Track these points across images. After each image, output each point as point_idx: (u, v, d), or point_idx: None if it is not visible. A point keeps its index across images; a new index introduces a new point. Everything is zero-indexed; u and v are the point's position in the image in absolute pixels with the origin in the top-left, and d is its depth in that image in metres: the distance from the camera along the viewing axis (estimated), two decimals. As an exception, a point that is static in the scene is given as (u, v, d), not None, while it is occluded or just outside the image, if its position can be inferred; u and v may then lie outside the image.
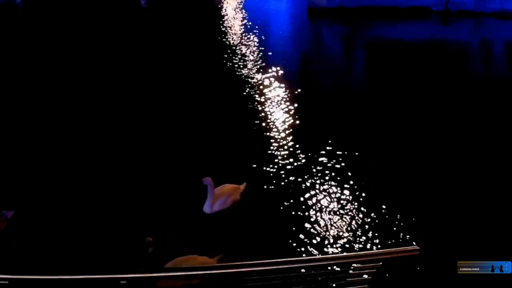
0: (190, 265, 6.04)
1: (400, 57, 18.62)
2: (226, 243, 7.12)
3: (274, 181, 9.00)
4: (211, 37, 21.81)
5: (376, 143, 10.71)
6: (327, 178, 9.13)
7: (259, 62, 17.40)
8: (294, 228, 7.60)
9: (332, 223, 7.75)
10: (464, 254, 6.50)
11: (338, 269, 4.42)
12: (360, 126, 11.71)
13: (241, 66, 16.90)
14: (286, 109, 12.70)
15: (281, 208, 8.15)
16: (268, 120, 12.00)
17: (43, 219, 7.75)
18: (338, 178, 9.09)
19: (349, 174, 9.21)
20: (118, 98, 13.55)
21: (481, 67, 18.37)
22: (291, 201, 8.36)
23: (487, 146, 10.48)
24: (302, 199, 8.42)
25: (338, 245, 7.22)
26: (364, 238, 7.35)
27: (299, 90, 14.62)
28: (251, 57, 18.19)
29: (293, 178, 9.13)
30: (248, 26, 24.66)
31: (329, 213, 8.00)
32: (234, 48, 19.78)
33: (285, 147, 10.47)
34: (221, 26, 24.87)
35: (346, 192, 8.62)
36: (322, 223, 7.75)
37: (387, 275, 6.14)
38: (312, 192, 8.63)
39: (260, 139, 10.87)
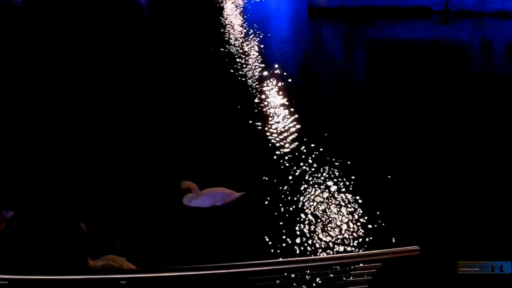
0: (111, 265, 6.15)
1: (400, 57, 18.63)
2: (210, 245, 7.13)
3: (273, 181, 8.99)
4: (211, 36, 21.82)
5: (376, 143, 10.71)
6: (327, 178, 9.13)
7: (259, 62, 17.40)
8: (294, 229, 7.60)
9: (332, 223, 7.75)
10: (464, 254, 6.50)
11: (338, 269, 4.41)
12: (360, 127, 11.72)
13: (242, 66, 16.90)
14: (286, 109, 12.70)
15: (281, 208, 8.15)
16: (269, 121, 12.00)
17: (43, 219, 7.74)
18: (339, 179, 9.09)
19: (349, 174, 9.21)
20: (118, 99, 13.54)
21: (481, 67, 18.37)
22: (291, 201, 8.36)
23: (487, 146, 10.48)
24: (302, 199, 8.42)
25: (338, 245, 7.22)
26: (364, 238, 7.35)
27: (299, 89, 14.64)
28: (252, 57, 18.20)
29: (293, 178, 9.12)
30: (249, 26, 24.67)
31: (329, 214, 8.00)
32: (234, 47, 19.79)
33: (285, 147, 10.47)
34: (222, 26, 24.88)
35: (346, 192, 8.62)
36: (322, 223, 7.75)
37: (387, 275, 6.13)
38: (312, 193, 8.62)
39: (260, 140, 10.86)
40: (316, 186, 8.84)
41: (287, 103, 13.15)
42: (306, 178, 9.12)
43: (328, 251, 7.11)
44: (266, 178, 9.06)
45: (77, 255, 6.42)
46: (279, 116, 12.27)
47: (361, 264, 4.25)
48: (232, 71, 16.32)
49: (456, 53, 20.09)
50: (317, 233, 7.49)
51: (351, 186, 8.79)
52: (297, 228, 7.61)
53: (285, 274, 4.32)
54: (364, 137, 11.06)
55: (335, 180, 9.04)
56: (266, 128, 11.48)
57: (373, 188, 8.68)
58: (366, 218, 7.83)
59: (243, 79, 15.50)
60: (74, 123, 11.82)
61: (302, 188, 8.76)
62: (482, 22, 25.48)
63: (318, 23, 27.07)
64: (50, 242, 7.03)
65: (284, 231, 7.53)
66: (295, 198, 8.44)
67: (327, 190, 8.69)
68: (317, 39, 24.36)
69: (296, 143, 10.60)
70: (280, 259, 5.30)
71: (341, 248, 7.15)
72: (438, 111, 12.60)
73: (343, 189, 8.70)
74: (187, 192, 8.07)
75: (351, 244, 7.23)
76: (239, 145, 10.53)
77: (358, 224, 7.70)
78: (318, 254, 7.01)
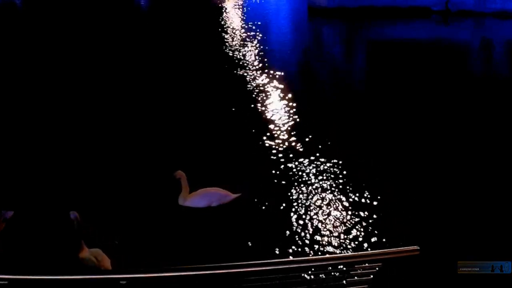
0: (92, 260, 6.24)
1: (400, 57, 18.62)
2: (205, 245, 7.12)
3: (271, 181, 9.00)
4: (211, 37, 21.82)
5: (376, 143, 10.71)
6: (327, 178, 9.13)
7: (259, 62, 17.40)
8: (294, 229, 7.60)
9: (332, 223, 7.75)
10: (464, 254, 6.50)
11: (338, 269, 4.41)
12: (360, 126, 11.71)
13: (241, 66, 16.90)
14: (286, 109, 12.70)
15: (280, 209, 8.15)
16: (268, 121, 12.00)
17: (43, 219, 7.75)
18: (339, 179, 9.09)
19: (349, 174, 9.21)
20: (117, 99, 13.56)
21: (481, 67, 18.36)
22: (291, 202, 8.36)
23: (487, 146, 10.47)
24: (301, 200, 8.42)
25: (338, 245, 7.22)
26: (364, 238, 7.35)
27: (299, 89, 14.63)
28: (251, 57, 18.20)
29: (292, 179, 9.12)
30: (249, 26, 24.66)
31: (329, 214, 8.00)
32: (234, 47, 19.79)
33: (284, 147, 10.47)
34: (222, 26, 24.87)
35: (346, 192, 8.62)
36: (322, 223, 7.75)
37: (387, 275, 6.13)
38: (312, 193, 8.62)
39: (258, 140, 10.85)
40: (315, 186, 8.84)
41: (287, 103, 13.16)
42: (305, 178, 9.12)
43: (328, 251, 7.11)
44: (264, 179, 9.06)
45: (73, 241, 6.48)
46: (279, 116, 12.27)
47: (361, 264, 4.25)
48: (231, 71, 16.32)
49: (456, 53, 20.08)
50: (317, 233, 7.49)
51: (351, 186, 8.79)
52: (297, 228, 7.61)
53: (285, 274, 4.31)
54: (364, 137, 11.06)
55: (334, 180, 9.04)
56: (265, 128, 11.47)
57: (373, 188, 8.68)
58: (366, 218, 7.83)
59: (243, 79, 15.50)
60: (74, 123, 11.83)
61: (301, 189, 8.76)
62: (482, 22, 25.46)
63: (318, 23, 27.06)
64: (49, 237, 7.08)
65: (284, 231, 7.53)
66: (295, 199, 8.44)
67: (326, 190, 8.69)
68: (317, 39, 24.35)
69: (295, 143, 10.60)
70: (280, 259, 5.28)
71: (341, 248, 7.15)
72: (438, 111, 12.60)
73: (343, 189, 8.70)
74: (178, 183, 8.03)
75: (351, 244, 7.23)
76: (237, 145, 10.52)
77: (358, 224, 7.70)
78: (318, 254, 7.01)
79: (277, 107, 12.91)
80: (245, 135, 11.15)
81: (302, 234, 7.47)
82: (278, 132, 11.24)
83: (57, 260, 6.69)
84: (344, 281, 4.36)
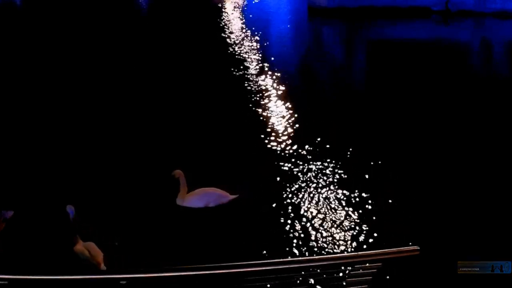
0: (85, 254, 6.33)
1: (400, 57, 18.63)
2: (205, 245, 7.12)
3: (272, 181, 8.99)
4: (210, 37, 21.83)
5: (376, 144, 10.70)
6: (327, 178, 9.13)
7: (259, 62, 17.40)
8: (294, 229, 7.60)
9: (332, 223, 7.75)
10: (464, 254, 6.50)
11: (338, 269, 4.41)
12: (360, 126, 11.72)
13: (241, 66, 16.90)
14: (286, 109, 12.70)
15: (280, 208, 8.15)
16: (267, 121, 12.00)
17: (42, 219, 7.74)
18: (339, 179, 9.09)
19: (350, 174, 9.21)
20: (116, 98, 13.55)
21: (481, 67, 18.37)
22: (290, 202, 8.36)
23: (487, 146, 10.48)
24: (301, 200, 8.42)
25: (338, 245, 7.22)
26: (364, 238, 7.35)
27: (299, 89, 14.64)
28: (251, 57, 18.20)
29: (292, 179, 9.11)
30: (249, 26, 24.68)
31: (329, 214, 8.00)
32: (234, 48, 19.79)
33: (284, 147, 10.47)
34: (221, 26, 24.89)
35: (346, 192, 8.62)
36: (322, 223, 7.74)
37: (387, 275, 6.14)
38: (312, 193, 8.62)
39: (258, 140, 10.85)
40: (315, 186, 8.84)
41: (286, 103, 13.15)
42: (305, 178, 9.12)
43: (328, 251, 7.11)
44: (263, 179, 9.05)
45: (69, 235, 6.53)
46: (278, 116, 12.27)
47: (361, 264, 4.25)
48: (231, 71, 16.31)
49: (456, 53, 20.09)
50: (317, 233, 7.49)
51: (351, 186, 8.79)
52: (297, 228, 7.61)
53: (285, 274, 4.31)
54: (364, 137, 11.06)
55: (334, 180, 9.04)
56: (264, 128, 11.48)
57: (373, 188, 8.68)
58: (366, 218, 7.82)
59: (242, 79, 15.49)
60: (74, 123, 11.83)
61: (301, 189, 8.76)
62: (482, 22, 25.48)
63: (318, 23, 27.08)
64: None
65: (283, 231, 7.53)
66: (294, 199, 8.44)
67: (326, 190, 8.69)
68: (317, 39, 24.36)
69: (295, 144, 10.60)
70: (280, 259, 5.28)
71: (341, 248, 7.15)
72: (438, 111, 12.60)
73: (343, 189, 8.70)
74: (177, 182, 8.02)
75: (351, 244, 7.23)
76: (236, 145, 10.51)
77: (358, 224, 7.69)
78: (318, 254, 7.01)
79: (276, 107, 12.91)
80: (244, 135, 11.15)
81: (302, 234, 7.47)
82: (278, 132, 11.24)
83: (57, 260, 6.69)
84: (344, 281, 4.35)
